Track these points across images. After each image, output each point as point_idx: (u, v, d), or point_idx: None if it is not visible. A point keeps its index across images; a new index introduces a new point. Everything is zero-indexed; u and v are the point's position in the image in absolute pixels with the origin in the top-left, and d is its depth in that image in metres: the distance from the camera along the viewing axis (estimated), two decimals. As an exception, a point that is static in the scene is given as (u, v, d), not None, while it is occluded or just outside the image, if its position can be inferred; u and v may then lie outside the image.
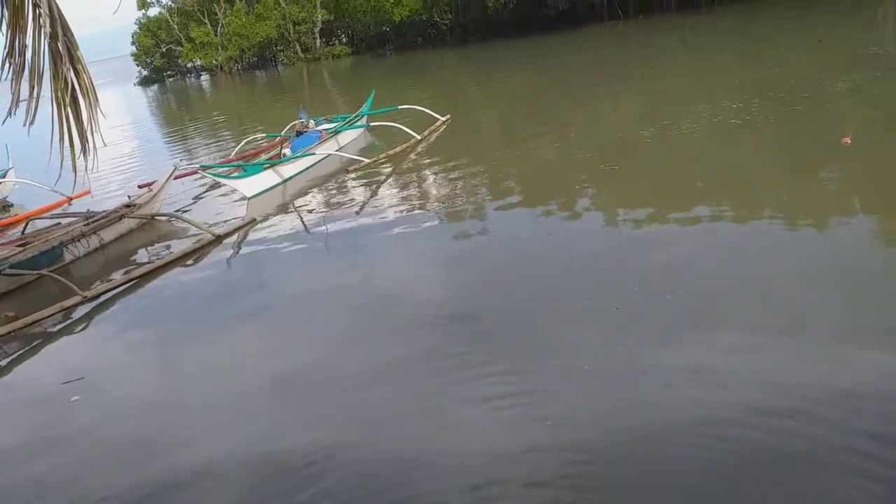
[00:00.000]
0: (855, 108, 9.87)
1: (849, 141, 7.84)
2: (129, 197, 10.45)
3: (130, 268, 8.14)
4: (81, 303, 7.11)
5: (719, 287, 5.09)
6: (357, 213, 8.89)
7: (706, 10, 32.26)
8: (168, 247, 8.81)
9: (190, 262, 8.01)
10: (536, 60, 25.62)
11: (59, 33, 3.17)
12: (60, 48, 3.18)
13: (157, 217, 10.00)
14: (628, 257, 6.00)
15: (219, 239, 8.55)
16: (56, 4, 3.15)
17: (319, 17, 49.68)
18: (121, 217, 9.47)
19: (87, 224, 9.12)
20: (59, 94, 3.25)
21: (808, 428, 3.46)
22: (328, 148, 12.40)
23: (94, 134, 3.45)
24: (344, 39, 53.92)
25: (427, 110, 14.02)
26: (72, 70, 3.26)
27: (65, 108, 3.28)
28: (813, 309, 4.55)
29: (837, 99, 10.32)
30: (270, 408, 4.62)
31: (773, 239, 5.83)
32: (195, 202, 11.24)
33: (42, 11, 3.09)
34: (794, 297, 4.76)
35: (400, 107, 14.65)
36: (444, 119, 13.77)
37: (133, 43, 60.40)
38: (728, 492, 3.21)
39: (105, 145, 3.99)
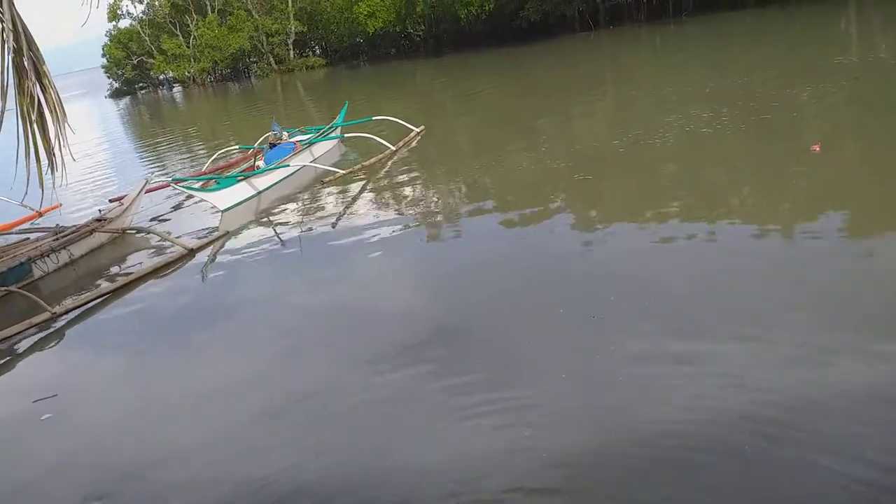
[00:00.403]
0: (823, 116, 10.06)
1: (818, 149, 7.98)
2: (99, 211, 10.32)
3: (102, 283, 8.03)
4: (51, 319, 7.00)
5: (694, 294, 5.16)
6: (333, 225, 8.87)
7: (674, 20, 32.78)
8: (140, 261, 8.71)
9: (162, 276, 7.93)
10: (510, 71, 25.81)
11: (24, 48, 3.13)
12: (26, 63, 3.14)
13: (128, 231, 9.89)
14: (604, 266, 6.05)
15: (192, 252, 8.48)
16: (20, 19, 3.11)
17: (293, 28, 49.63)
18: (91, 231, 9.35)
19: (57, 239, 8.98)
20: (25, 110, 3.21)
21: (783, 431, 3.51)
22: (302, 160, 12.36)
23: (62, 149, 3.41)
24: (318, 51, 53.90)
25: (401, 121, 14.04)
26: (38, 85, 3.22)
27: (31, 124, 3.24)
28: (784, 313, 4.62)
29: (805, 107, 10.52)
30: (245, 424, 4.57)
31: (745, 246, 5.90)
32: (168, 216, 11.13)
33: (6, 27, 3.05)
34: (766, 302, 4.83)
35: (374, 118, 14.67)
36: (418, 130, 13.80)
37: (104, 55, 59.84)
38: (705, 496, 3.24)
39: (74, 160, 3.95)
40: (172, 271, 8.03)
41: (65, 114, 3.41)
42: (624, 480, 3.42)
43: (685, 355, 4.32)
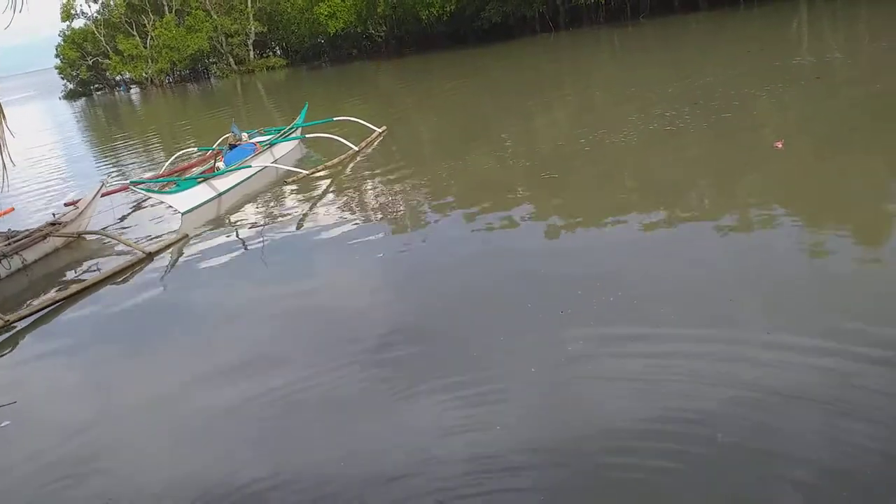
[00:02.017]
0: (783, 114, 10.28)
1: (780, 145, 8.17)
2: (53, 215, 10.06)
3: (57, 288, 7.84)
4: (4, 327, 6.80)
5: (660, 288, 5.23)
6: (296, 226, 8.79)
7: (632, 22, 33.28)
8: (97, 266, 8.52)
9: (120, 281, 7.77)
10: (472, 72, 25.89)
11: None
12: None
13: (84, 235, 9.66)
14: (571, 261, 6.10)
15: (150, 256, 8.32)
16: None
17: (252, 29, 49.04)
18: (45, 236, 9.11)
19: (9, 244, 8.73)
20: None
21: (749, 422, 3.59)
22: (263, 160, 12.23)
23: (2, 152, 3.29)
24: (278, 51, 53.38)
25: (363, 122, 13.98)
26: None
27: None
28: (746, 307, 4.71)
29: (766, 106, 10.75)
30: (206, 429, 4.50)
31: (710, 241, 6.03)
32: (126, 219, 10.91)
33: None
34: (729, 296, 4.92)
35: (335, 118, 14.58)
36: (380, 130, 13.75)
37: (57, 55, 58.35)
38: (670, 491, 3.29)
39: (14, 166, 3.83)
40: (130, 276, 7.87)
41: (4, 115, 3.29)
42: (593, 474, 3.46)
43: (653, 348, 4.39)
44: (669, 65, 18.22)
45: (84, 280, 7.80)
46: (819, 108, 10.11)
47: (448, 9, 37.18)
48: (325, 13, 41.64)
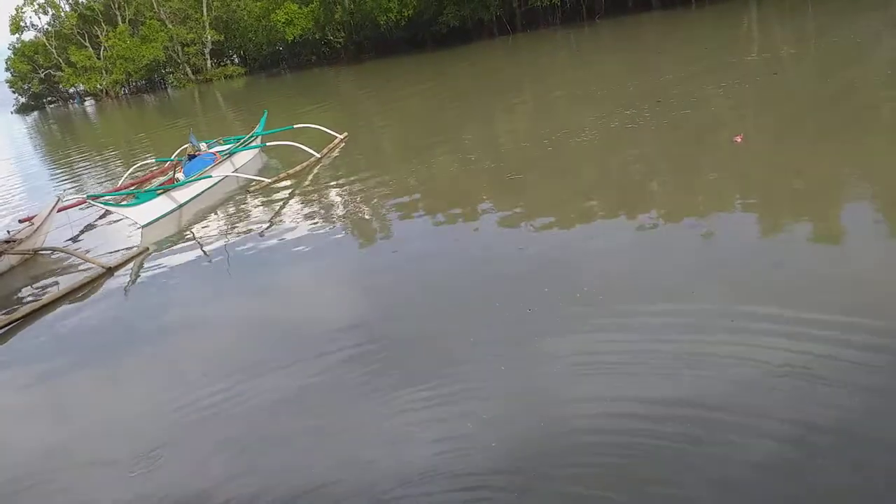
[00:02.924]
0: (741, 109, 10.48)
1: (739, 139, 8.36)
2: (8, 232, 9.82)
3: (13, 307, 7.64)
4: (-41, 348, 6.63)
5: (625, 283, 5.31)
6: (260, 234, 8.71)
7: (588, 23, 33.75)
8: (55, 282, 8.34)
9: (79, 297, 7.61)
10: (432, 76, 25.96)
11: None
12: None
13: (40, 252, 9.45)
14: (538, 260, 6.16)
15: (110, 271, 8.17)
16: None
17: (209, 37, 48.54)
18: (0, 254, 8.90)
19: (-38, 264, 8.52)
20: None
21: (722, 414, 3.67)
22: (224, 170, 12.11)
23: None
24: (236, 59, 52.91)
25: (323, 128, 13.93)
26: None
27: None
28: (708, 302, 4.80)
29: (724, 102, 10.98)
30: (171, 448, 4.43)
31: (674, 235, 6.16)
32: (84, 234, 10.69)
33: None
34: (693, 289, 5.02)
35: (295, 126, 14.49)
36: (341, 137, 13.72)
37: (8, 69, 57.01)
38: (638, 485, 3.36)
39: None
40: (89, 292, 7.73)
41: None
42: (565, 472, 3.50)
43: (619, 344, 4.47)
44: (627, 64, 18.50)
45: (41, 298, 7.64)
46: (776, 102, 10.34)
47: (406, 14, 37.27)
48: (283, 20, 41.41)
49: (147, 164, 14.71)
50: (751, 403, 3.67)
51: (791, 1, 24.76)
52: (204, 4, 48.46)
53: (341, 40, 43.05)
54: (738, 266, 5.25)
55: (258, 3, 45.28)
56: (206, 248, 8.65)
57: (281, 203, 10.08)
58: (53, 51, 53.25)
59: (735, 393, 3.77)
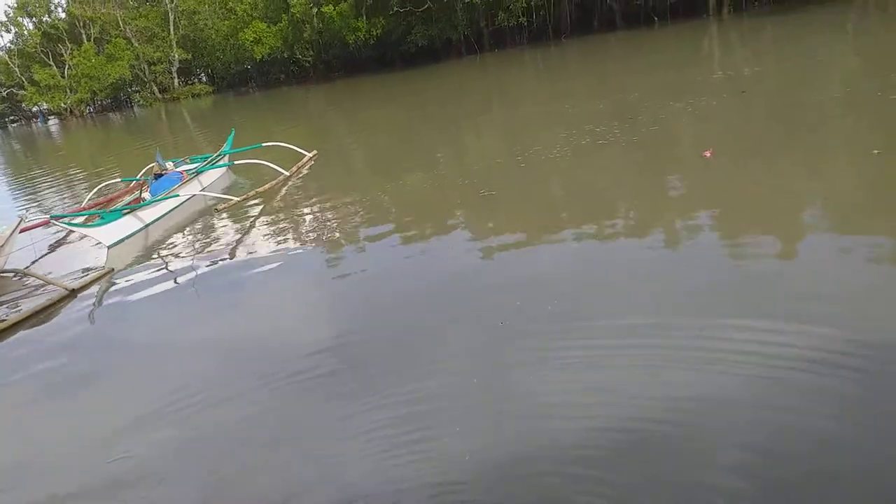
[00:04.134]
0: (709, 125, 10.69)
1: (709, 154, 8.56)
2: (-32, 254, 9.62)
3: (-27, 331, 7.49)
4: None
5: (596, 297, 5.43)
6: (229, 254, 8.66)
7: (555, 42, 34.28)
8: (16, 305, 8.17)
9: (42, 320, 7.49)
10: (402, 94, 26.11)
11: None
12: None
13: (1, 274, 9.27)
14: (511, 275, 6.24)
15: (73, 293, 8.05)
16: None
17: (176, 56, 48.27)
18: (-40, 276, 8.73)
19: (-80, 287, 8.33)
20: None
21: (688, 423, 3.76)
22: (191, 189, 12.03)
23: None
24: (204, 78, 52.63)
25: (292, 146, 13.93)
26: None
27: None
28: (677, 315, 4.91)
29: (693, 118, 11.22)
30: (136, 474, 4.39)
31: (645, 248, 6.27)
32: (47, 255, 10.51)
33: None
34: (659, 303, 5.12)
35: (264, 144, 14.48)
36: (310, 155, 13.73)
37: (-32, 88, 55.95)
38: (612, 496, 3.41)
39: None
40: (53, 314, 7.60)
41: None
42: (537, 484, 3.54)
43: (592, 356, 4.55)
44: (596, 82, 18.82)
45: (3, 320, 7.49)
46: (744, 119, 10.60)
47: (374, 33, 37.51)
48: (251, 39, 41.37)
49: (112, 183, 14.54)
50: (721, 415, 3.77)
51: (749, 21, 25.46)
52: (171, 23, 48.22)
53: (310, 59, 43.11)
54: (706, 279, 5.37)
55: (226, 22, 45.22)
56: (173, 269, 8.57)
57: (249, 222, 10.04)
58: (16, 69, 52.41)
59: (704, 405, 3.86)
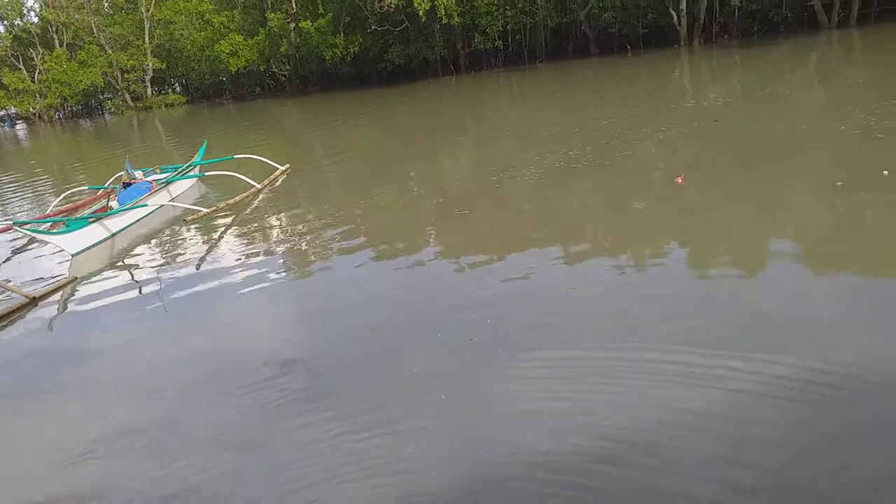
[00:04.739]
0: (682, 152, 10.88)
1: (681, 181, 8.70)
2: (-74, 259, 9.39)
3: (-72, 337, 7.28)
4: None
5: (566, 315, 5.48)
6: (196, 266, 8.55)
7: (530, 66, 34.74)
8: (-26, 312, 7.98)
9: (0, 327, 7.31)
10: (378, 111, 26.17)
11: None
12: None
13: (-40, 280, 9.04)
14: (482, 293, 6.26)
15: (34, 301, 7.88)
16: None
17: (150, 65, 47.83)
18: (-84, 281, 8.48)
19: None
20: None
21: (660, 445, 3.79)
22: (160, 199, 11.89)
23: None
24: (178, 88, 52.22)
25: (265, 159, 13.86)
26: None
27: None
28: (646, 331, 4.98)
29: (665, 145, 11.39)
30: (90, 491, 4.28)
31: (615, 269, 6.34)
32: (8, 262, 10.28)
33: None
34: (629, 324, 5.18)
35: (236, 156, 14.39)
36: (283, 168, 13.67)
37: (-67, 89, 54.71)
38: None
39: None
40: (11, 322, 7.42)
41: None
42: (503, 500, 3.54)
43: (562, 373, 4.59)
44: (570, 107, 19.07)
45: (-40, 327, 7.30)
46: (717, 147, 10.79)
47: (352, 50, 37.63)
48: (227, 51, 41.20)
49: (79, 191, 14.30)
50: (685, 441, 3.81)
51: (718, 53, 26.10)
52: (146, 32, 47.84)
53: (286, 73, 43.05)
54: (675, 305, 5.44)
55: (202, 33, 45.01)
56: (139, 279, 8.44)
57: (219, 234, 9.94)
58: (-16, 72, 51.49)
59: (666, 429, 3.90)
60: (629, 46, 33.31)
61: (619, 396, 4.23)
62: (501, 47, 36.43)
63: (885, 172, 7.68)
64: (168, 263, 8.85)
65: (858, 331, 4.67)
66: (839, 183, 7.65)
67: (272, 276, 7.76)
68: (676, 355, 4.58)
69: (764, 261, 6.14)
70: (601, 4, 32.84)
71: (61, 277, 8.75)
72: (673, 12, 30.93)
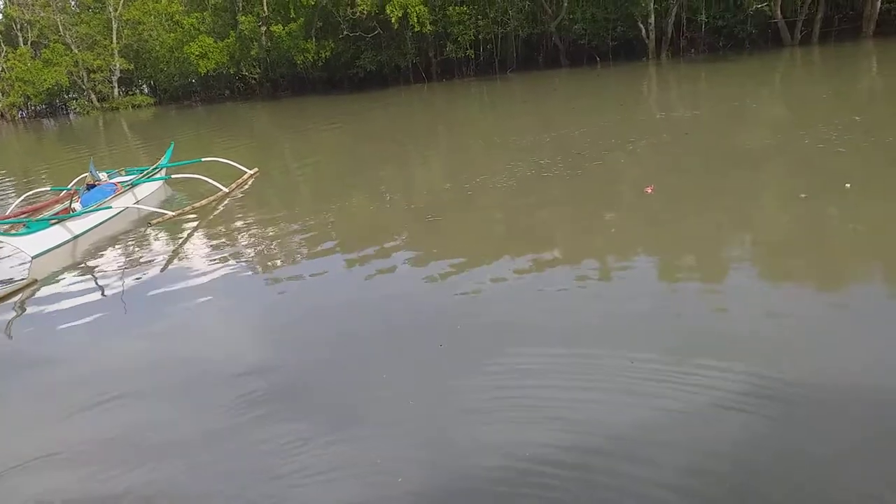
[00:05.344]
0: (652, 163, 10.97)
1: (650, 190, 8.79)
2: None
3: None
4: None
5: (533, 321, 5.52)
6: (161, 270, 8.41)
7: (501, 76, 34.94)
8: (-72, 314, 7.74)
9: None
10: (349, 116, 26.05)
11: None
12: None
13: (-86, 281, 8.77)
14: (451, 298, 6.29)
15: (-8, 303, 7.68)
16: None
17: (118, 65, 47.02)
18: None
19: None
20: None
21: (623, 447, 3.81)
22: (125, 202, 11.67)
23: None
24: (146, 89, 51.40)
25: (233, 163, 13.71)
26: None
27: None
28: (611, 339, 5.03)
29: (634, 156, 11.50)
30: (45, 495, 4.17)
31: (583, 276, 6.41)
32: (-36, 263, 10.00)
33: None
34: (592, 331, 5.23)
35: (203, 159, 14.18)
36: (251, 172, 13.53)
37: None
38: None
39: None
40: (-32, 325, 7.22)
41: None
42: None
43: (530, 376, 4.62)
44: (541, 117, 19.16)
45: (-88, 330, 7.07)
46: (688, 158, 10.93)
47: (323, 55, 37.42)
48: (196, 53, 40.67)
49: (42, 192, 13.98)
50: (650, 444, 3.83)
51: (686, 67, 26.56)
52: (114, 32, 47.05)
53: (257, 77, 42.66)
54: (642, 313, 5.49)
55: (171, 35, 44.38)
56: (101, 283, 8.27)
57: (184, 238, 9.79)
58: (-56, 69, 50.17)
59: (631, 433, 3.93)
60: (599, 58, 33.68)
61: (585, 403, 4.26)
62: (473, 56, 36.55)
63: (847, 185, 7.86)
64: (132, 267, 8.69)
65: (816, 342, 4.76)
66: (803, 195, 7.81)
67: (238, 280, 7.66)
68: (643, 365, 4.63)
69: (726, 270, 6.24)
70: (571, 16, 33.15)
71: (20, 280, 8.52)
72: (641, 26, 31.37)
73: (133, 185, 12.40)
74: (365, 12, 33.97)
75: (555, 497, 3.52)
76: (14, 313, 7.55)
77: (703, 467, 3.62)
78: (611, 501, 3.47)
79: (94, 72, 47.43)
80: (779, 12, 28.25)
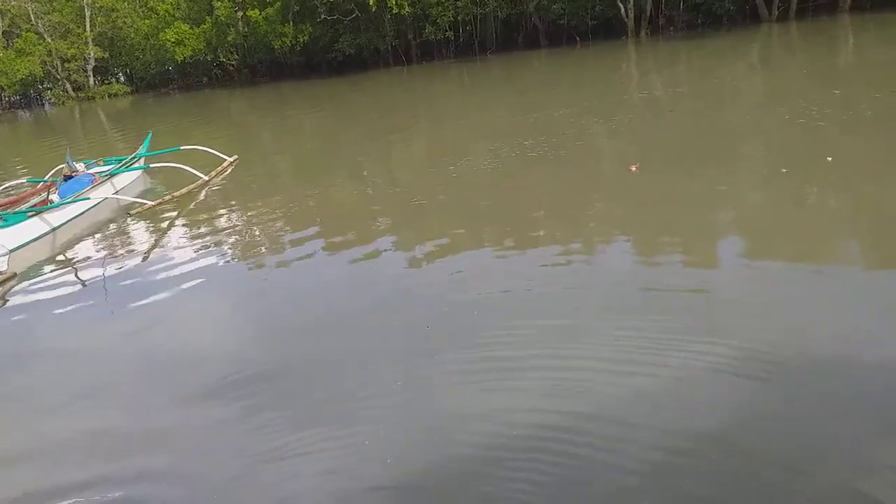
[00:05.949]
0: (637, 141, 10.95)
1: (635, 168, 8.80)
2: None
3: None
4: None
5: (519, 304, 5.50)
6: (142, 259, 8.30)
7: (481, 57, 34.84)
8: None
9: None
10: (328, 101, 25.86)
11: None
12: None
13: None
14: (438, 281, 6.27)
15: (-29, 298, 7.56)
16: None
17: (92, 54, 46.30)
18: None
19: None
20: None
21: (607, 434, 3.81)
22: (103, 192, 11.51)
23: None
24: (122, 78, 50.74)
25: (212, 151, 13.56)
26: None
27: None
28: (595, 321, 5.03)
29: (618, 135, 11.51)
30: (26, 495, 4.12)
31: (572, 257, 6.37)
32: (-60, 258, 9.82)
33: None
34: (577, 311, 5.22)
35: (182, 147, 14.01)
36: (231, 160, 13.39)
37: None
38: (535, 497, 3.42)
39: None
40: (-54, 320, 7.10)
41: None
42: (459, 486, 3.54)
43: (511, 359, 4.61)
44: (522, 98, 19.11)
45: None
46: (672, 135, 10.95)
47: (301, 39, 37.09)
48: (172, 40, 40.13)
49: (18, 184, 13.76)
50: (636, 416, 3.85)
51: (665, 45, 26.58)
52: (87, 19, 46.27)
53: (234, 63, 42.20)
54: (625, 289, 5.51)
55: (146, 21, 43.78)
56: (82, 276, 8.16)
57: (164, 227, 9.68)
58: (-86, 61, 49.12)
59: (616, 406, 3.95)
60: (578, 38, 33.64)
61: (574, 381, 4.27)
62: (452, 38, 36.37)
63: (829, 159, 7.91)
64: (112, 259, 8.58)
65: (798, 313, 4.80)
66: (784, 170, 7.85)
67: (221, 269, 7.59)
68: (631, 343, 4.64)
69: (712, 245, 6.27)
70: (551, -4, 33.07)
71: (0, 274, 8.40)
72: (620, 4, 31.34)
73: (111, 175, 12.23)
74: (342, -5, 33.67)
75: (547, 464, 3.53)
76: (-7, 308, 7.44)
77: (688, 435, 3.64)
78: (598, 476, 3.48)
79: (69, 61, 46.73)
80: (757, -12, 28.37)
